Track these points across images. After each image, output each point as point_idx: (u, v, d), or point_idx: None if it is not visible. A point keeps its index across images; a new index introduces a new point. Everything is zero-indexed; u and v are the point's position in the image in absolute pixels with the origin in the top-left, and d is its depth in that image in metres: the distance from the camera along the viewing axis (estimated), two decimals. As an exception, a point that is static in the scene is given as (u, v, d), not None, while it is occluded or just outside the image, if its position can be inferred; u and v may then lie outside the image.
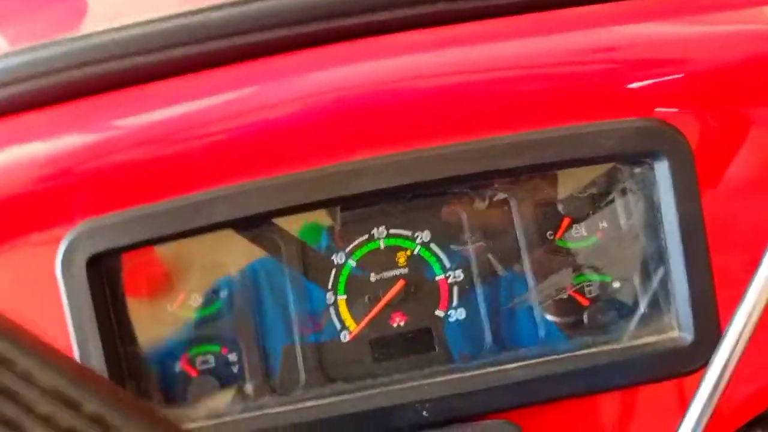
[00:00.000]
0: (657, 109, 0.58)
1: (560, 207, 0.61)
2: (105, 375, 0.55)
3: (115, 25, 0.58)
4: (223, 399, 0.58)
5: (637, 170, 0.59)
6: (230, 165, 0.56)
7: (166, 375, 0.58)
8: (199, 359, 0.59)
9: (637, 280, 0.60)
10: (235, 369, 0.59)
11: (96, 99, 0.60)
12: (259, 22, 0.55)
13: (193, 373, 0.58)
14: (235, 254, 0.59)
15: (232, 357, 0.59)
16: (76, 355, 0.55)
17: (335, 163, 0.55)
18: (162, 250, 0.58)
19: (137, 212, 0.56)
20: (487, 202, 0.60)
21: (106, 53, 0.57)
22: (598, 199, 0.60)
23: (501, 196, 0.59)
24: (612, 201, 0.60)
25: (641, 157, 0.57)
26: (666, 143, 0.57)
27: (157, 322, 0.58)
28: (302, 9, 0.57)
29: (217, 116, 0.56)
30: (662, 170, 0.56)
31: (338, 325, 0.59)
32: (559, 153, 0.56)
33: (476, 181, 0.57)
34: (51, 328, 0.53)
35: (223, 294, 0.59)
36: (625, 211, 0.60)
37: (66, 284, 0.53)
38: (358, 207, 0.58)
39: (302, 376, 0.58)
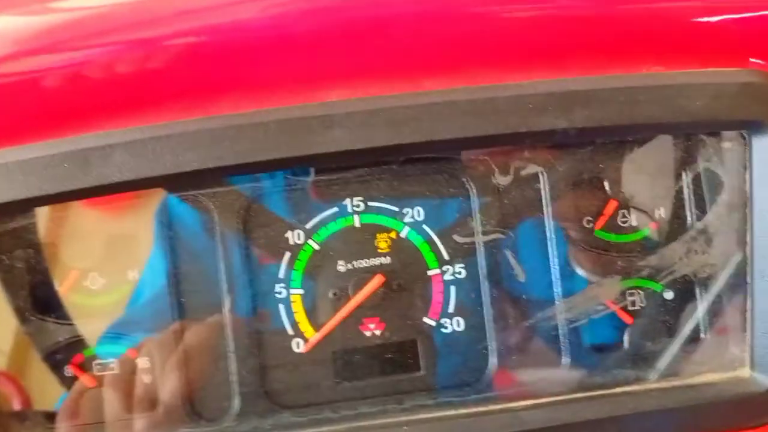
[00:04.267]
0: (752, 59, 0.48)
1: (607, 186, 0.51)
2: None
3: None
4: (126, 422, 0.49)
5: (726, 144, 0.49)
6: (140, 97, 0.46)
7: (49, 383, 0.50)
8: (97, 363, 0.49)
9: (698, 293, 0.51)
10: (146, 380, 0.49)
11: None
12: None
13: (90, 383, 0.49)
14: (152, 222, 0.49)
15: (143, 363, 0.49)
16: None
17: (298, 105, 0.45)
18: (44, 208, 0.49)
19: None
20: (510, 177, 0.49)
21: None
22: (659, 179, 0.51)
23: (532, 169, 0.49)
24: (679, 183, 0.51)
25: (734, 126, 0.47)
26: None
27: (37, 308, 0.49)
28: None
29: (129, 20, 0.46)
30: (763, 148, 0.46)
31: (290, 331, 0.50)
32: (622, 113, 0.46)
33: (498, 145, 0.48)
34: None
35: (133, 275, 0.50)
36: (695, 198, 0.51)
37: None
38: (327, 170, 0.49)
39: (236, 400, 0.49)
